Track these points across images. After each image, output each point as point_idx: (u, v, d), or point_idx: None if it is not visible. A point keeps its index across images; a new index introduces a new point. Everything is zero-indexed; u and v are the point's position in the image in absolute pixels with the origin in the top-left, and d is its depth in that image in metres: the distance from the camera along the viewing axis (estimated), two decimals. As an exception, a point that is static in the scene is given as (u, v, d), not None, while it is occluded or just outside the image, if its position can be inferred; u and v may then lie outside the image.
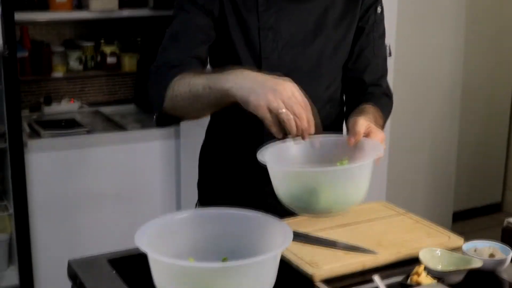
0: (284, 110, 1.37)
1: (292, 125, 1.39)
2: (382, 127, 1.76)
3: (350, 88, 1.90)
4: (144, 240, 1.29)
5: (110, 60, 4.01)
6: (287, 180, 1.51)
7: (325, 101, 1.83)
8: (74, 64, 3.96)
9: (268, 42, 1.73)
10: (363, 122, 1.60)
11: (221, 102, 1.49)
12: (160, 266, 1.28)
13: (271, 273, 1.30)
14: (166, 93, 1.59)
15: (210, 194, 1.91)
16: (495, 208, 4.81)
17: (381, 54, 1.88)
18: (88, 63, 4.01)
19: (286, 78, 1.44)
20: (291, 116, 1.38)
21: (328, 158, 1.58)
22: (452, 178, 4.35)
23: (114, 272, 1.48)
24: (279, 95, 1.38)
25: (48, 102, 3.87)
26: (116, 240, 3.43)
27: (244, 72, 1.46)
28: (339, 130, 1.92)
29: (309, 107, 1.43)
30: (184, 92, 1.55)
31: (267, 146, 1.55)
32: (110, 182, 3.56)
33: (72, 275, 1.51)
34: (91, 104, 4.05)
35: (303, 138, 1.44)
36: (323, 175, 1.47)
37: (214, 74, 1.51)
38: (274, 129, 1.41)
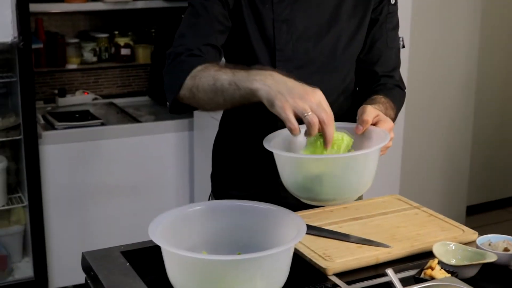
0: (310, 113, 1.37)
1: (315, 127, 1.38)
2: (394, 118, 1.76)
3: (362, 79, 1.90)
4: (158, 233, 1.30)
5: (124, 51, 4.02)
6: (291, 167, 1.50)
7: (338, 93, 1.82)
8: (88, 55, 3.97)
9: (282, 34, 1.73)
10: (372, 111, 1.59)
11: (245, 101, 1.47)
12: (174, 258, 1.28)
13: (284, 266, 1.30)
14: (185, 80, 1.58)
15: (223, 186, 1.91)
16: (509, 202, 4.78)
17: (395, 45, 1.87)
18: (102, 54, 4.02)
19: (315, 88, 1.43)
20: (317, 119, 1.38)
21: None
22: (466, 172, 4.33)
23: (127, 264, 1.48)
24: (308, 101, 1.38)
25: (62, 94, 3.88)
26: (130, 232, 3.46)
27: (274, 75, 1.44)
28: (352, 121, 1.91)
29: (333, 118, 1.41)
30: (208, 84, 1.53)
31: (273, 133, 1.55)
32: (123, 174, 3.58)
33: (86, 267, 1.51)
34: (105, 96, 4.06)
35: (325, 147, 1.44)
36: (326, 162, 1.45)
37: (242, 71, 1.49)
38: (293, 127, 1.39)
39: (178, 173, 3.70)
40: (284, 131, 1.50)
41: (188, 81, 1.57)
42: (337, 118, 1.81)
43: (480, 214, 4.57)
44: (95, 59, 3.99)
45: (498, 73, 4.56)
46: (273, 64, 1.74)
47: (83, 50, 3.96)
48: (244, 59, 1.77)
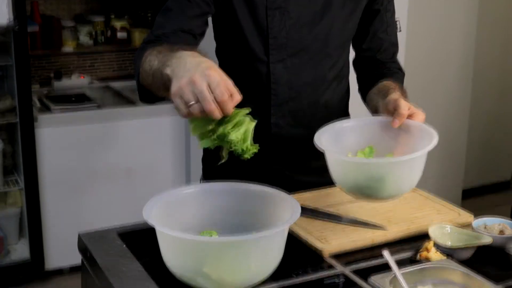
0: (192, 103, 1.29)
1: (199, 115, 1.30)
2: None
3: (364, 66, 1.91)
4: (152, 214, 1.30)
5: (120, 35, 4.00)
6: (353, 170, 1.52)
7: (331, 79, 1.82)
8: (84, 39, 3.95)
9: (275, 22, 1.72)
10: (405, 104, 1.57)
11: (168, 85, 1.40)
12: (168, 240, 1.28)
13: (278, 248, 1.30)
14: (139, 69, 1.57)
15: (214, 170, 1.89)
16: (505, 186, 4.80)
17: (394, 31, 1.90)
18: (98, 38, 4.00)
19: (211, 66, 1.33)
20: (197, 111, 1.29)
21: (376, 140, 1.62)
22: (463, 155, 4.33)
23: (124, 245, 1.48)
24: (196, 87, 1.28)
25: (58, 77, 3.87)
26: (125, 214, 3.45)
27: (184, 57, 1.38)
28: (345, 106, 1.92)
29: (226, 96, 1.29)
30: (147, 71, 1.52)
31: (322, 130, 1.58)
32: (119, 156, 3.57)
33: (82, 248, 1.51)
34: (101, 79, 4.05)
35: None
36: (393, 165, 1.48)
37: (167, 55, 1.44)
38: (181, 114, 1.33)
39: (174, 156, 3.70)
40: (331, 126, 1.58)
41: (140, 68, 1.56)
42: (333, 102, 1.83)
43: (476, 197, 4.59)
44: (91, 42, 3.98)
45: (496, 56, 4.56)
46: (267, 52, 1.73)
47: (79, 34, 3.94)
48: (236, 48, 1.77)
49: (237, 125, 1.32)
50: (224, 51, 1.84)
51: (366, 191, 1.49)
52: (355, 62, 1.94)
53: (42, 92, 3.78)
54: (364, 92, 1.88)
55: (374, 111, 1.73)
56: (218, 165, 1.40)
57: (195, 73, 1.29)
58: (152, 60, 1.50)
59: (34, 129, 3.32)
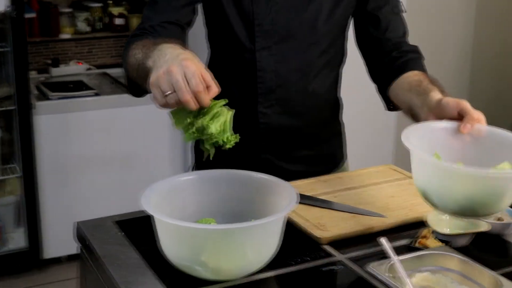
0: (168, 93, 1.29)
1: (176, 106, 1.31)
2: None
3: (377, 50, 1.81)
4: (150, 202, 1.29)
5: (118, 21, 3.99)
6: (471, 183, 1.28)
7: (321, 66, 1.77)
8: (81, 25, 3.94)
9: (261, 7, 1.69)
10: (468, 105, 1.42)
11: None
12: (165, 227, 1.28)
13: (276, 236, 1.30)
14: (127, 63, 1.57)
15: (204, 160, 1.85)
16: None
17: (399, 10, 1.82)
18: (96, 24, 3.98)
19: (187, 56, 1.33)
20: (174, 101, 1.29)
21: (439, 147, 1.39)
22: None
23: (122, 233, 1.48)
24: (173, 76, 1.28)
25: (56, 64, 3.86)
26: (123, 202, 3.44)
27: (165, 50, 1.38)
28: (335, 94, 1.87)
29: (201, 87, 1.29)
30: (132, 64, 1.52)
31: (408, 131, 1.38)
32: (117, 144, 3.57)
33: (80, 237, 1.51)
34: (99, 66, 4.03)
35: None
36: None
37: (151, 47, 1.44)
38: (157, 105, 1.33)
39: (172, 142, 3.69)
40: (419, 127, 1.40)
41: (128, 62, 1.56)
42: (322, 90, 1.78)
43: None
44: (88, 28, 3.96)
45: (495, 37, 4.53)
46: (252, 40, 1.70)
47: (77, 20, 3.92)
48: (223, 35, 1.75)
49: (215, 116, 1.32)
50: (212, 38, 1.82)
51: (476, 207, 1.29)
52: (363, 48, 1.85)
53: (40, 79, 3.77)
54: (382, 82, 1.78)
55: (408, 109, 1.59)
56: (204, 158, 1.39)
57: (173, 64, 1.30)
58: (137, 53, 1.50)
59: (31, 117, 3.31)
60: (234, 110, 1.35)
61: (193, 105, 1.28)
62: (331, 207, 1.57)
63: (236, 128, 1.69)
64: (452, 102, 1.42)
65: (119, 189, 3.57)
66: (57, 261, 3.57)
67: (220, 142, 1.32)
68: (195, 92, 1.28)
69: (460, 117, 1.40)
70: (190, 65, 1.29)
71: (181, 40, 1.59)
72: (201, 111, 1.32)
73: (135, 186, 3.54)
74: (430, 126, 1.41)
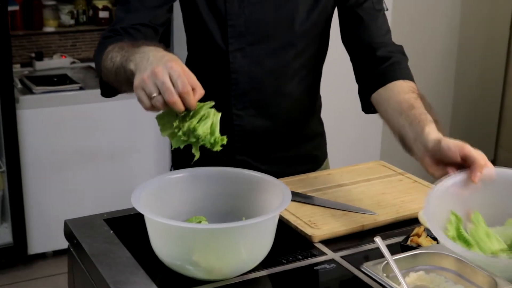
0: (154, 95, 1.27)
1: (162, 109, 1.30)
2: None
3: (359, 49, 1.73)
4: (140, 201, 1.28)
5: (103, 14, 3.94)
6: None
7: (297, 67, 1.72)
8: (65, 18, 3.89)
9: (234, 7, 1.64)
10: (476, 151, 1.35)
11: (132, 81, 1.36)
12: (156, 226, 1.26)
13: (269, 234, 1.29)
14: (101, 65, 1.54)
15: (182, 160, 1.76)
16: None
17: (382, 7, 1.75)
18: (80, 17, 3.94)
19: (171, 57, 1.31)
20: (161, 102, 1.26)
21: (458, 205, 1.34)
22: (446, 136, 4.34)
23: (111, 232, 1.46)
24: (158, 79, 1.26)
25: (40, 57, 3.81)
26: (110, 196, 3.44)
27: (148, 52, 1.35)
28: (313, 93, 1.83)
29: (188, 87, 1.27)
30: (108, 67, 1.48)
31: (439, 186, 1.32)
32: (103, 138, 3.54)
33: (69, 235, 1.49)
34: (83, 60, 4.00)
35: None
36: None
37: (130, 50, 1.41)
38: (143, 106, 1.32)
39: (159, 137, 3.66)
40: (433, 196, 1.30)
41: (102, 64, 1.53)
42: (298, 93, 1.74)
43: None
44: (72, 22, 3.91)
45: (479, 38, 4.55)
46: (226, 41, 1.66)
47: (60, 13, 3.88)
48: (197, 35, 1.72)
49: (202, 119, 1.30)
50: (189, 38, 1.78)
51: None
52: (348, 47, 1.77)
53: (23, 72, 3.73)
54: (366, 84, 1.70)
55: (399, 136, 1.50)
56: (192, 162, 1.36)
57: (157, 65, 1.27)
58: (114, 56, 1.46)
59: (15, 111, 3.27)
60: (221, 113, 1.32)
61: (180, 106, 1.26)
62: (322, 204, 1.56)
63: None
64: (453, 146, 1.35)
65: (105, 184, 3.54)
66: (42, 256, 3.53)
67: (208, 145, 1.30)
68: (182, 93, 1.26)
69: (462, 161, 1.35)
70: (175, 66, 1.27)
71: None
72: (188, 114, 1.30)
73: (121, 180, 3.54)
74: (440, 189, 1.32)
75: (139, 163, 3.60)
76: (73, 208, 3.44)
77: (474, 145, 1.36)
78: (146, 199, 1.30)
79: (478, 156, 1.33)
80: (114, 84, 1.51)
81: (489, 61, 4.66)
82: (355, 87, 1.75)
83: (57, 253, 3.49)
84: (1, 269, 3.41)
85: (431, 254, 1.20)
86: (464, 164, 1.35)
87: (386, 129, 3.72)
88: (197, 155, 1.33)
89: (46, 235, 3.44)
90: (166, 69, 1.26)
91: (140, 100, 1.31)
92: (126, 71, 1.38)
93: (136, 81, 1.30)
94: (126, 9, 1.63)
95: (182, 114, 1.30)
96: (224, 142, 1.31)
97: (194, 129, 1.28)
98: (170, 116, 1.33)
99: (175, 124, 1.31)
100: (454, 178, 1.33)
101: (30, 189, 3.41)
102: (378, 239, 1.20)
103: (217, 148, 1.31)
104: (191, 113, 1.30)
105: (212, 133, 1.30)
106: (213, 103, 1.33)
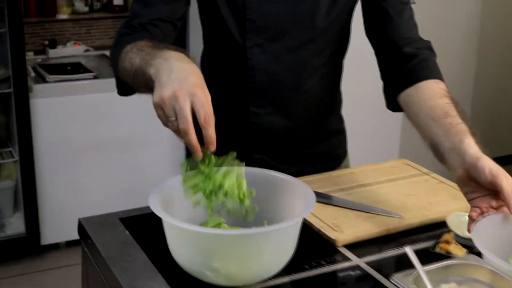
0: (172, 119, 1.20)
1: (179, 135, 1.22)
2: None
3: (385, 45, 1.65)
4: (158, 203, 1.22)
5: (117, 1, 3.90)
6: None
7: (317, 66, 1.66)
8: (79, 5, 3.85)
9: (253, 3, 1.57)
10: (505, 183, 1.25)
11: (151, 86, 1.29)
12: (174, 230, 1.21)
13: (292, 240, 1.23)
14: (118, 65, 1.48)
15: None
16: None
17: (408, 1, 1.67)
18: (94, 4, 3.90)
19: (196, 80, 1.22)
20: (175, 127, 1.20)
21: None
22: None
23: (127, 232, 1.41)
24: (178, 102, 1.18)
25: (53, 45, 3.78)
26: (122, 186, 3.39)
27: (168, 61, 1.26)
28: (334, 90, 1.77)
29: (211, 117, 1.20)
30: (127, 68, 1.41)
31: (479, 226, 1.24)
32: (116, 128, 3.50)
33: (83, 234, 1.44)
34: (97, 48, 3.95)
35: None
36: None
37: (152, 52, 1.34)
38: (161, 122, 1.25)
39: (173, 128, 3.63)
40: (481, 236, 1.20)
41: (119, 64, 1.46)
42: (317, 91, 1.68)
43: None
44: (86, 9, 3.88)
45: (500, 35, 4.48)
46: (243, 36, 1.60)
47: (74, 0, 3.84)
48: (216, 31, 1.66)
49: (227, 173, 1.24)
50: (206, 32, 1.72)
51: None
52: (373, 43, 1.68)
53: (37, 60, 3.69)
54: (392, 82, 1.61)
55: (431, 144, 1.42)
56: None
57: (181, 89, 1.18)
58: (133, 57, 1.39)
59: (28, 100, 3.24)
60: (244, 163, 1.26)
61: (193, 138, 1.18)
62: (346, 206, 1.50)
63: (226, 127, 1.61)
64: (488, 171, 1.26)
65: (118, 173, 3.50)
66: (55, 247, 3.52)
67: (237, 200, 1.24)
68: (203, 124, 1.18)
69: (491, 186, 1.27)
70: (200, 94, 1.18)
71: (172, 38, 1.51)
72: (212, 171, 1.23)
73: (134, 171, 3.50)
74: (482, 227, 1.23)
75: (152, 153, 3.56)
76: (86, 198, 3.41)
77: (493, 142, 1.30)
78: (162, 201, 1.25)
79: (509, 188, 1.24)
80: (133, 85, 1.45)
81: (509, 60, 4.59)
82: (374, 80, 1.68)
83: (70, 244, 3.47)
84: (14, 259, 3.40)
85: (465, 265, 1.14)
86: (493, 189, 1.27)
87: (405, 126, 3.66)
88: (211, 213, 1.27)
89: (59, 226, 3.42)
90: (188, 96, 1.18)
91: (158, 116, 1.24)
92: (145, 74, 1.30)
93: (156, 98, 1.21)
94: (143, 3, 1.57)
95: (205, 172, 1.23)
96: (253, 194, 1.26)
97: (221, 185, 1.22)
98: (195, 178, 1.25)
99: (197, 180, 1.24)
100: (492, 220, 1.25)
101: (43, 179, 3.38)
102: (408, 249, 1.14)
103: (247, 202, 1.25)
104: (213, 171, 1.23)
105: (239, 186, 1.24)
106: (235, 154, 1.26)
